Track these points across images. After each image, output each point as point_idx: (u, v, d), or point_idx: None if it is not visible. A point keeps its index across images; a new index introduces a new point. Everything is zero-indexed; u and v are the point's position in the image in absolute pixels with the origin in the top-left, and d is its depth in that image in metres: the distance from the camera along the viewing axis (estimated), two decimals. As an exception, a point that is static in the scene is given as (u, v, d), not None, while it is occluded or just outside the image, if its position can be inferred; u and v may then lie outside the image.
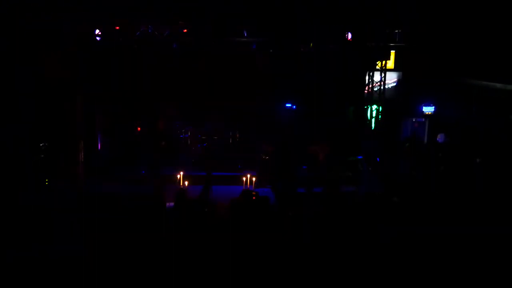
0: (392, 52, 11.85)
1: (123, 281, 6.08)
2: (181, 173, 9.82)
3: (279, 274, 6.32)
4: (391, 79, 12.61)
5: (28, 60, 9.64)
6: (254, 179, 10.06)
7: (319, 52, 10.65)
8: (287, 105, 12.36)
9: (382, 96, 10.76)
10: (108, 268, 6.23)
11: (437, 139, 11.89)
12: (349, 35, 10.43)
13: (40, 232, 7.29)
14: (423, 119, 12.76)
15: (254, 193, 9.33)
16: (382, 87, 10.72)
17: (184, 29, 9.96)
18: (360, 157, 11.26)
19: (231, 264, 6.49)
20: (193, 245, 7.13)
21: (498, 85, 11.74)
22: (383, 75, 10.67)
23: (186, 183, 9.74)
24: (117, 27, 9.70)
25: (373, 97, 10.91)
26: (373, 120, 10.97)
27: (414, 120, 12.51)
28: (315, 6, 9.42)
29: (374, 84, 10.82)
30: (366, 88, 11.08)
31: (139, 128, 11.06)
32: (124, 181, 9.96)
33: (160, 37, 9.88)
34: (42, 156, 10.05)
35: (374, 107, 11.01)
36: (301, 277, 6.25)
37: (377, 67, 10.71)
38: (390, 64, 11.94)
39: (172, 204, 9.26)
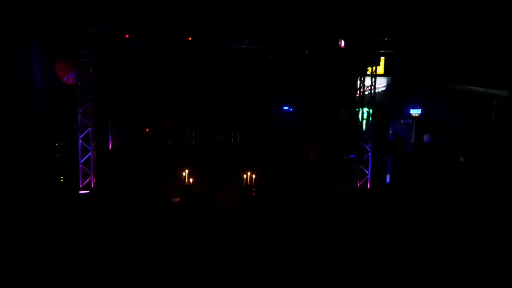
0: (382, 59, 12.23)
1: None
2: (186, 171, 10.08)
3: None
4: (381, 83, 13.08)
5: (45, 66, 10.14)
6: (254, 176, 10.27)
7: (314, 59, 11.08)
8: (285, 107, 12.93)
9: (373, 100, 11.05)
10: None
11: (424, 139, 12.35)
12: (342, 43, 10.67)
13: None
14: (411, 121, 13.28)
15: (253, 189, 9.68)
16: (372, 91, 11.00)
17: (189, 37, 10.29)
18: (352, 156, 11.63)
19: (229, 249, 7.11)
20: (197, 235, 7.71)
21: (481, 89, 12.07)
22: (373, 80, 10.97)
23: (191, 180, 9.98)
24: (127, 35, 10.13)
25: (364, 100, 11.20)
26: (364, 121, 11.23)
27: (402, 122, 13.04)
28: (314, 6, 9.63)
29: (365, 88, 11.13)
30: (358, 92, 11.39)
31: (147, 129, 11.55)
32: (134, 178, 10.38)
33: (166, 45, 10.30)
34: (58, 155, 10.52)
35: (365, 109, 11.26)
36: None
37: (368, 73, 10.97)
38: (380, 69, 12.26)
39: (178, 199, 9.82)
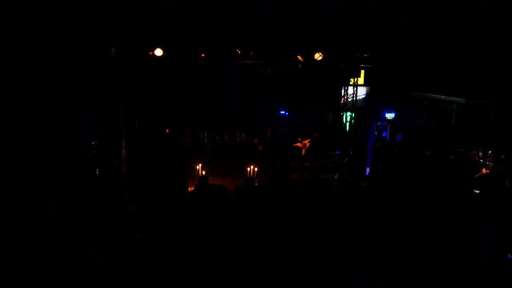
0: (362, 71, 13.32)
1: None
2: (200, 164, 11.20)
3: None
4: (361, 92, 14.26)
5: (83, 77, 10.86)
6: (256, 169, 11.32)
7: (306, 71, 12.07)
8: (281, 112, 14.29)
9: (354, 105, 12.28)
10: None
11: (396, 138, 13.58)
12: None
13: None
14: (386, 123, 14.42)
15: (256, 180, 10.40)
16: (354, 98, 12.23)
17: (202, 54, 11.59)
18: (337, 152, 12.88)
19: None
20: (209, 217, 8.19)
21: (443, 97, 13.57)
22: (355, 89, 12.22)
23: (204, 172, 10.89)
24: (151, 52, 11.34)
25: (347, 106, 12.45)
26: (347, 124, 12.49)
27: (378, 124, 14.21)
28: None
29: (348, 96, 12.39)
30: (342, 99, 12.69)
31: (167, 130, 13.24)
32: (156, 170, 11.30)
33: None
34: (94, 152, 11.70)
35: (348, 114, 12.47)
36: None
37: (350, 83, 12.21)
38: (361, 80, 13.43)
39: (192, 188, 10.17)
